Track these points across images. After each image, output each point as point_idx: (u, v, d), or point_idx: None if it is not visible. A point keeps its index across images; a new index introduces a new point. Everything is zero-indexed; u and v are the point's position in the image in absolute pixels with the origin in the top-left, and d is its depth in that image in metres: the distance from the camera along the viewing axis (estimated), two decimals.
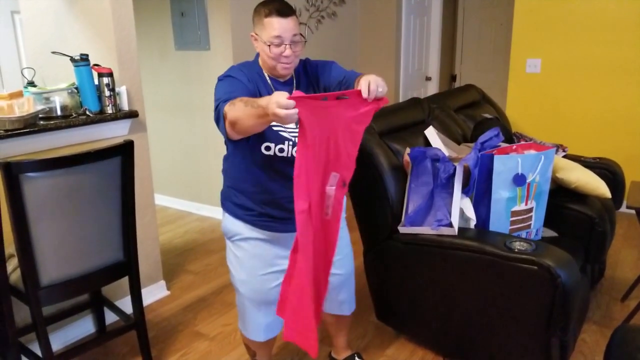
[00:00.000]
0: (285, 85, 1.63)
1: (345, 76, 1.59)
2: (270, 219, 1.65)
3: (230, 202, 1.70)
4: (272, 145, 1.55)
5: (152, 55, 3.85)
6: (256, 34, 1.55)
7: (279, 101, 1.16)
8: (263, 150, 1.56)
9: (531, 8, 3.75)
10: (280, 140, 1.54)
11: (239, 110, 1.34)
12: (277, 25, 1.47)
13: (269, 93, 1.54)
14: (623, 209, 2.77)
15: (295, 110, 1.17)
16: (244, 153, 1.60)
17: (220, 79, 1.58)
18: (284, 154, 1.57)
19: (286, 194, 1.56)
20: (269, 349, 1.95)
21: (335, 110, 1.31)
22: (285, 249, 1.68)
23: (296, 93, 1.21)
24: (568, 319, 1.68)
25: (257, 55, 1.63)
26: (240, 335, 1.95)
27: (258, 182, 1.61)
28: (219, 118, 1.45)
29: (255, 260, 1.70)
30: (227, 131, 1.43)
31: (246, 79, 1.56)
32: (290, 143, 1.56)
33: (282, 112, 1.16)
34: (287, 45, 1.49)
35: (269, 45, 1.50)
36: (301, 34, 1.54)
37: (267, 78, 1.61)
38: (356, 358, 2.08)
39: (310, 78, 1.67)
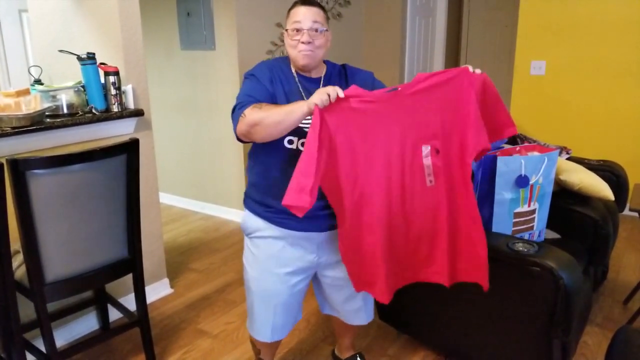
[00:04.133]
0: (312, 82, 1.62)
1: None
2: (287, 217, 1.61)
3: (251, 199, 1.71)
4: (294, 139, 1.56)
5: (158, 55, 3.88)
6: (285, 30, 1.58)
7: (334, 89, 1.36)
8: (285, 144, 1.56)
9: (536, 10, 3.75)
10: (303, 134, 1.53)
11: (267, 109, 1.43)
12: (299, 12, 1.53)
13: (292, 89, 1.59)
14: (626, 211, 2.76)
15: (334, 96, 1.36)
16: (266, 149, 1.59)
17: (245, 77, 1.61)
18: None
19: None
20: (274, 349, 1.95)
21: (411, 95, 1.46)
22: (301, 251, 1.69)
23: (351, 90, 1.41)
24: (570, 320, 1.68)
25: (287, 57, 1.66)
26: (247, 332, 1.95)
27: (279, 177, 1.59)
28: (235, 118, 1.51)
29: (270, 259, 1.70)
30: (238, 132, 1.49)
31: (268, 79, 1.57)
32: None
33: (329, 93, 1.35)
34: (305, 31, 1.52)
35: (289, 32, 1.54)
36: (327, 30, 1.57)
37: (295, 74, 1.61)
38: (358, 358, 2.08)
39: (343, 82, 1.65)
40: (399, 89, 1.48)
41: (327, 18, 1.60)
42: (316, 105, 1.38)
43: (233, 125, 1.53)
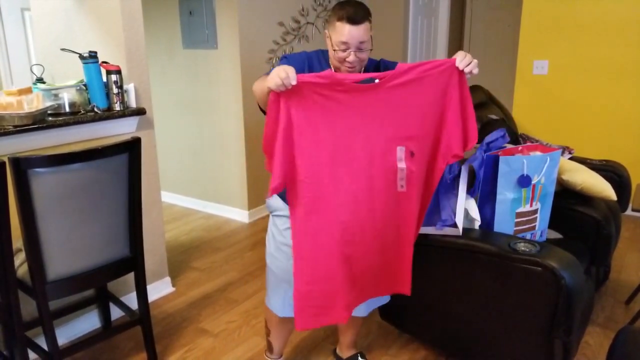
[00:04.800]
0: None
1: None
2: None
3: None
4: None
5: (160, 54, 3.88)
6: (328, 33, 1.58)
7: (286, 70, 1.33)
8: None
9: (539, 9, 3.74)
10: None
11: (262, 80, 1.49)
12: (346, 32, 1.50)
13: None
14: (629, 211, 2.76)
15: (289, 82, 1.33)
16: None
17: (280, 59, 1.66)
18: None
19: None
20: (284, 334, 1.98)
21: (392, 91, 1.38)
22: None
23: (301, 77, 1.35)
24: (571, 320, 1.68)
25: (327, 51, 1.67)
26: (264, 311, 1.99)
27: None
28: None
29: (282, 235, 1.74)
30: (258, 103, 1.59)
31: (301, 67, 1.57)
32: None
33: (281, 76, 1.32)
34: (352, 52, 1.52)
35: (335, 50, 1.54)
36: (371, 37, 1.55)
37: (332, 69, 1.63)
38: (359, 357, 2.08)
39: None
40: (377, 81, 1.41)
41: (371, 29, 1.57)
42: (270, 88, 1.35)
43: None
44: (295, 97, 1.36)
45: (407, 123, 1.39)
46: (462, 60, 1.45)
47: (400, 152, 1.38)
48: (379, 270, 1.61)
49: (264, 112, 1.53)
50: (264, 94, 1.46)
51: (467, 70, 1.45)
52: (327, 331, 2.36)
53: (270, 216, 1.82)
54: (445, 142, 1.44)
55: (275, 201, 1.76)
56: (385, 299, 1.97)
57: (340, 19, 1.51)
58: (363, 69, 1.65)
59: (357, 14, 1.51)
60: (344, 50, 1.52)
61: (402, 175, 1.39)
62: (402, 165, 1.38)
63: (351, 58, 1.52)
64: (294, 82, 1.34)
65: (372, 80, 1.41)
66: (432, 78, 1.39)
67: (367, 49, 1.55)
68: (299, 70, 1.52)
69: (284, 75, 1.34)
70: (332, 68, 1.63)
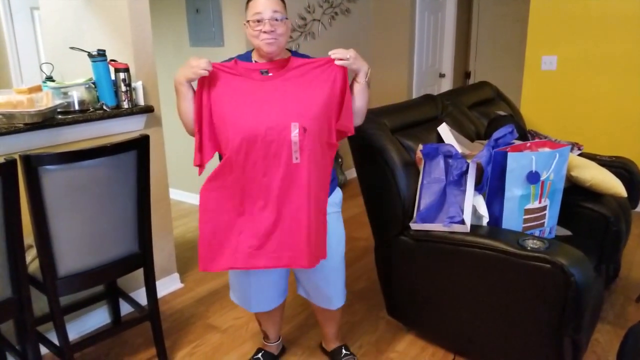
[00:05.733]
0: None
1: None
2: None
3: None
4: None
5: (167, 52, 3.89)
6: (245, 22, 1.65)
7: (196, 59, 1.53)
8: None
9: (547, 4, 3.71)
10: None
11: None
12: (257, 4, 1.60)
13: None
14: (639, 208, 2.74)
15: (204, 69, 1.54)
16: None
17: None
18: None
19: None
20: (271, 321, 2.05)
21: (284, 77, 1.61)
22: None
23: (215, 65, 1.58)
24: (581, 318, 1.67)
25: (250, 50, 1.75)
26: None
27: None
28: None
29: None
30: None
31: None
32: None
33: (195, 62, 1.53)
34: (267, 21, 1.59)
35: (251, 23, 1.61)
36: (287, 19, 1.65)
37: (253, 62, 1.70)
38: (343, 350, 2.09)
39: None
40: (271, 74, 1.61)
41: (285, 6, 1.67)
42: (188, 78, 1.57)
43: None
44: (209, 84, 1.60)
45: (301, 103, 1.59)
46: (335, 53, 1.61)
47: (295, 127, 1.55)
48: (278, 234, 1.66)
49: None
50: (179, 106, 1.66)
51: (336, 59, 1.61)
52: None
53: None
54: (336, 120, 1.65)
55: None
56: (339, 299, 1.94)
57: None
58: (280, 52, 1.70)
59: None
60: (259, 21, 1.59)
61: (296, 148, 1.56)
62: (295, 139, 1.55)
63: (266, 27, 1.59)
64: (209, 67, 1.55)
65: (266, 72, 1.62)
66: (320, 70, 1.62)
67: (282, 19, 1.61)
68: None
69: (194, 63, 1.54)
70: (253, 60, 1.71)
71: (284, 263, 1.66)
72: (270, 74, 1.62)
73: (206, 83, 1.60)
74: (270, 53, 1.64)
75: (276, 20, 1.60)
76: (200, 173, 1.67)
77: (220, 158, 1.72)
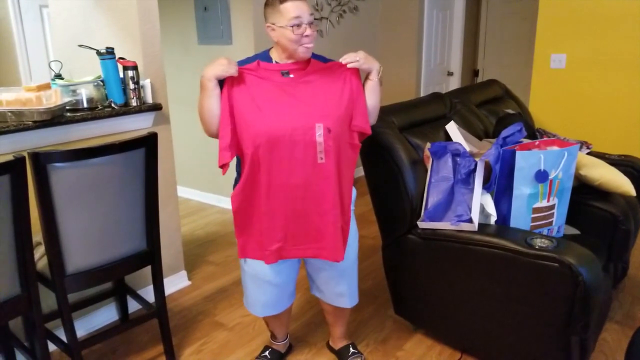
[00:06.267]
0: None
1: None
2: None
3: None
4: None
5: (176, 50, 3.90)
6: (272, 24, 1.62)
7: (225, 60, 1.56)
8: None
9: (556, 2, 3.68)
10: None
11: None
12: (295, 8, 1.58)
13: None
14: None
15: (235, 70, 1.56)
16: None
17: None
18: None
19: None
20: (279, 321, 2.04)
21: (306, 79, 1.64)
22: None
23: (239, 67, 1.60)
24: (589, 317, 1.66)
25: (268, 50, 1.73)
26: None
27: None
28: None
29: None
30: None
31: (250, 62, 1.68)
32: None
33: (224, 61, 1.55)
34: (307, 25, 1.58)
35: (292, 28, 1.57)
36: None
37: (273, 62, 1.69)
38: (351, 348, 2.09)
39: None
40: (292, 76, 1.63)
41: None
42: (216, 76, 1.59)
43: None
44: (234, 84, 1.62)
45: (323, 105, 1.61)
46: (345, 58, 1.63)
47: (319, 128, 1.56)
48: (304, 229, 1.70)
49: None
50: (203, 103, 1.65)
51: (348, 64, 1.63)
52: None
53: None
54: (356, 121, 1.68)
55: None
56: (353, 297, 1.95)
57: (283, 2, 1.59)
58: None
59: None
60: (299, 25, 1.57)
61: (321, 148, 1.57)
62: (320, 139, 1.57)
63: (308, 31, 1.58)
64: (233, 70, 1.57)
65: (287, 73, 1.63)
66: (337, 73, 1.66)
67: (315, 22, 1.63)
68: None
69: (224, 61, 1.56)
70: (273, 61, 1.70)
71: (311, 254, 1.73)
72: (291, 76, 1.63)
73: (233, 84, 1.62)
74: (306, 58, 1.65)
75: (311, 23, 1.60)
76: (224, 172, 1.68)
77: (238, 160, 1.73)
